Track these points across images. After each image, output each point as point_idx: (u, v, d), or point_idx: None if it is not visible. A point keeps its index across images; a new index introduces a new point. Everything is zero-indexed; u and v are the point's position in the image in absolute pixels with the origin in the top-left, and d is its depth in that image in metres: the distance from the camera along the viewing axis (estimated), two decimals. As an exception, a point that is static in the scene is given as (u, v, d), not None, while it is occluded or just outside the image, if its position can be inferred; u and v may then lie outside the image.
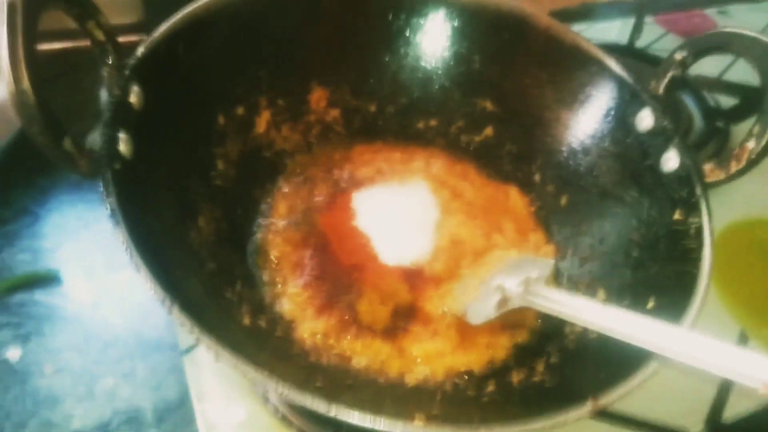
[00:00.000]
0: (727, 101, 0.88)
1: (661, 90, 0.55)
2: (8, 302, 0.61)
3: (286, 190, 0.60)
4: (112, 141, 0.43)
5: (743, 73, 0.90)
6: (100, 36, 0.46)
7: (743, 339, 0.64)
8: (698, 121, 0.79)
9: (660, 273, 0.48)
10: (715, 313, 0.66)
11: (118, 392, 0.56)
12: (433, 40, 0.64)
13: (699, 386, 0.59)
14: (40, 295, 0.62)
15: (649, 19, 0.96)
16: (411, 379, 0.48)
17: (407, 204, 0.60)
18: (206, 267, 0.48)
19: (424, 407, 0.43)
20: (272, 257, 0.55)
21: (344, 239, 0.56)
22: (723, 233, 0.72)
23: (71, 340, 0.59)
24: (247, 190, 0.57)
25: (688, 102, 0.81)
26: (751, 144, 0.47)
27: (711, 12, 1.07)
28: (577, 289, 0.54)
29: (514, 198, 0.62)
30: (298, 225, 0.57)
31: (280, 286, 0.53)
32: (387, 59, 0.64)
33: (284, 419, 0.52)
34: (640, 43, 0.92)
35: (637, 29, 0.90)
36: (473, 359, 0.51)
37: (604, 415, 0.55)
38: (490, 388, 0.47)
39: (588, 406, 0.38)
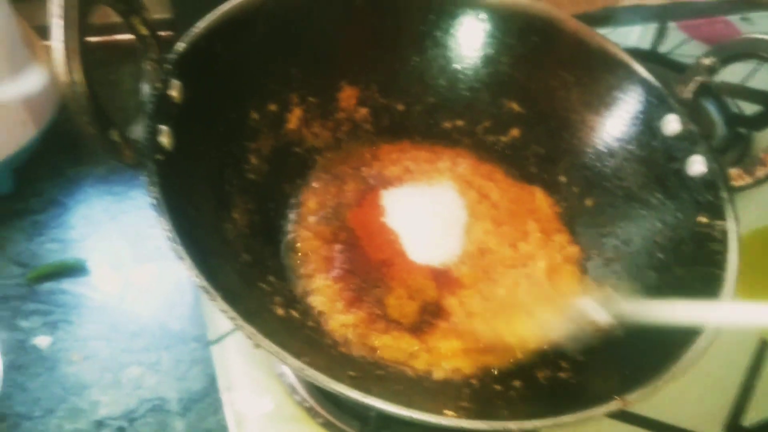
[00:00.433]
0: (749, 108, 0.88)
1: (687, 95, 0.56)
2: (38, 290, 0.62)
3: (315, 185, 0.61)
4: (154, 133, 0.44)
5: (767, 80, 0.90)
6: (144, 31, 0.47)
7: (763, 345, 0.65)
8: (720, 127, 0.79)
9: (685, 275, 0.49)
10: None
11: (144, 381, 0.57)
12: (461, 42, 0.64)
13: (718, 389, 0.60)
14: (68, 284, 0.63)
15: (671, 25, 0.96)
16: (438, 373, 0.49)
17: (435, 203, 0.61)
18: (241, 258, 0.49)
19: (452, 400, 0.44)
20: (303, 251, 0.56)
21: (373, 235, 0.57)
22: (746, 239, 0.72)
23: (98, 329, 0.60)
24: (278, 184, 0.58)
25: (711, 108, 0.81)
26: (777, 149, 0.48)
27: (734, 18, 1.06)
28: (603, 290, 0.55)
29: (540, 199, 0.63)
30: (328, 220, 0.58)
31: (310, 278, 0.54)
32: (416, 59, 0.64)
33: (311, 410, 0.53)
34: (662, 49, 0.93)
35: (660, 34, 0.90)
36: (499, 356, 0.51)
37: (623, 415, 0.56)
38: (517, 383, 0.48)
39: (616, 403, 0.39)
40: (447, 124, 0.67)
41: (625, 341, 0.47)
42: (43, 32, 0.72)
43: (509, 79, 0.64)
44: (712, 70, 0.55)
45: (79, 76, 0.39)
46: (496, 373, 0.50)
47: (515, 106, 0.65)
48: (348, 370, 0.44)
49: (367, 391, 0.37)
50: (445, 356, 0.50)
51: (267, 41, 0.57)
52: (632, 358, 0.45)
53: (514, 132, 0.66)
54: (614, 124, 0.60)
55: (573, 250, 0.59)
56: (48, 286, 0.62)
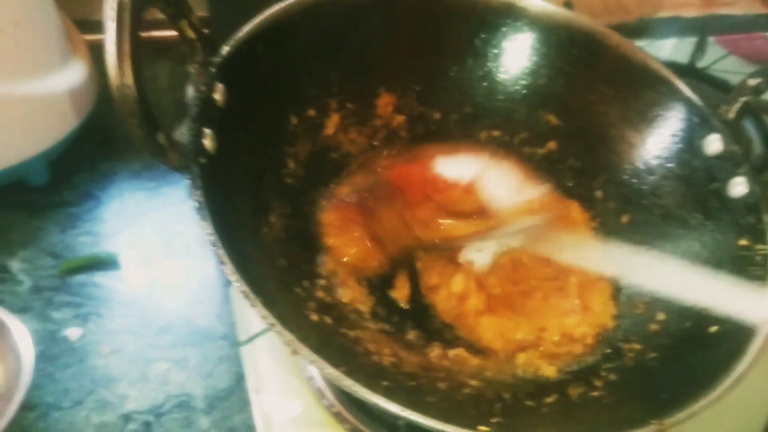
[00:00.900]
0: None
1: (731, 115, 0.55)
2: (70, 282, 0.63)
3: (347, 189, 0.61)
4: (199, 136, 0.44)
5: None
6: (191, 34, 0.47)
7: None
8: (758, 146, 0.78)
9: (724, 298, 0.48)
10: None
11: (171, 377, 0.57)
12: (501, 53, 0.64)
13: (754, 412, 0.59)
14: (99, 278, 0.64)
15: (709, 39, 0.95)
16: (471, 385, 0.49)
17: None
18: (277, 263, 0.49)
19: (484, 415, 0.44)
20: (337, 255, 0.56)
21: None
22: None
23: (128, 324, 0.60)
24: (314, 189, 0.59)
25: (749, 127, 0.80)
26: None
27: (774, 35, 1.05)
28: (635, 308, 0.55)
29: (575, 213, 0.62)
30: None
31: (344, 285, 0.54)
32: (455, 68, 0.64)
33: (338, 416, 0.53)
34: (700, 63, 0.92)
35: (699, 49, 0.89)
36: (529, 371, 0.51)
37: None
38: (549, 399, 0.47)
39: (654, 427, 0.39)
40: (483, 134, 0.67)
41: (661, 363, 0.47)
42: (83, 26, 0.74)
43: (548, 91, 0.64)
44: (758, 91, 0.54)
45: (130, 78, 0.39)
46: (525, 388, 0.50)
47: (553, 119, 0.65)
48: (381, 379, 0.44)
49: (402, 402, 0.37)
50: (476, 368, 0.50)
51: (309, 46, 0.57)
52: (669, 380, 0.45)
53: (551, 145, 0.65)
54: (654, 142, 0.59)
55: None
56: (80, 278, 0.63)
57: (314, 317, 0.48)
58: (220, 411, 0.55)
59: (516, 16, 0.62)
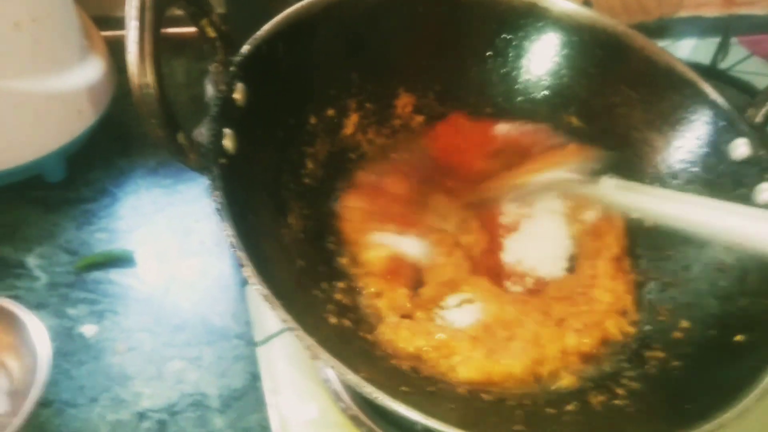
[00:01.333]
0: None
1: (759, 119, 0.54)
2: (86, 279, 0.63)
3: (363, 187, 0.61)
4: (219, 136, 0.44)
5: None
6: (212, 33, 0.47)
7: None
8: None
9: (750, 306, 0.48)
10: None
11: (186, 376, 0.57)
12: (523, 53, 0.63)
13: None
14: (115, 275, 0.64)
15: (731, 40, 0.93)
16: (491, 392, 0.48)
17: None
18: (296, 264, 0.49)
19: (505, 422, 0.43)
20: (354, 257, 0.55)
21: None
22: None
23: (143, 321, 0.60)
24: (332, 190, 0.58)
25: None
26: None
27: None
28: (658, 314, 0.54)
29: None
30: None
31: (362, 287, 0.53)
32: (475, 69, 0.64)
33: (355, 419, 0.53)
34: (722, 64, 0.90)
35: (721, 49, 0.87)
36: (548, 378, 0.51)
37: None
38: (570, 407, 0.47)
39: (679, 439, 0.38)
40: (503, 135, 0.66)
41: (686, 372, 0.46)
42: (101, 23, 0.74)
43: (570, 92, 0.63)
44: (786, 95, 0.53)
45: (151, 78, 0.39)
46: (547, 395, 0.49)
47: (574, 121, 0.64)
48: (400, 384, 0.43)
49: (422, 409, 0.37)
50: (497, 373, 0.49)
51: (329, 46, 0.56)
52: (694, 390, 0.44)
53: (572, 147, 0.64)
54: (678, 145, 0.58)
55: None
56: (96, 275, 0.63)
57: (333, 320, 0.48)
58: (234, 411, 0.55)
59: (538, 17, 0.62)
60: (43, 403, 0.53)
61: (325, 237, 0.55)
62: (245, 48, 0.49)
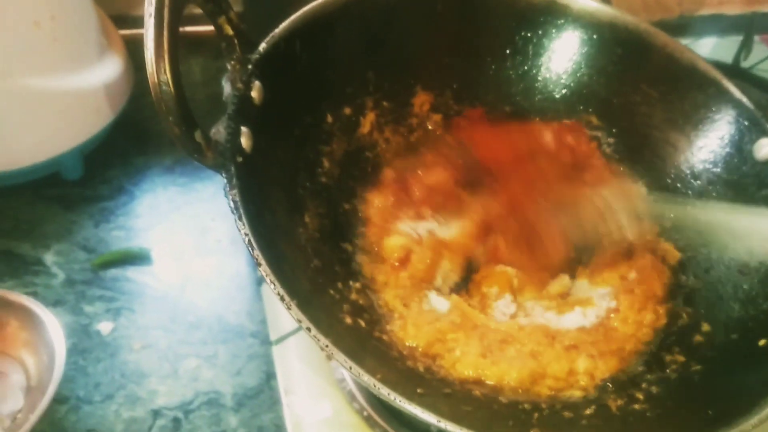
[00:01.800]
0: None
1: (784, 119, 0.53)
2: (103, 276, 0.63)
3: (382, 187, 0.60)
4: (235, 134, 0.44)
5: None
6: (229, 31, 0.46)
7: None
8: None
9: (774, 311, 0.47)
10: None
11: (201, 374, 0.57)
12: (542, 51, 0.63)
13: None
14: (132, 272, 0.64)
15: (754, 38, 0.92)
16: (506, 394, 0.48)
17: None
18: (312, 264, 0.49)
19: (521, 426, 0.43)
20: (370, 258, 0.55)
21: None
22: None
23: (159, 319, 0.61)
24: (348, 189, 0.58)
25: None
26: None
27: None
28: (679, 318, 0.53)
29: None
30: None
31: (379, 287, 0.53)
32: (494, 67, 0.63)
33: (369, 419, 0.52)
34: (744, 63, 0.89)
35: (744, 48, 0.86)
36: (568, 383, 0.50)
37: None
38: (588, 411, 0.46)
39: (700, 446, 0.37)
40: (521, 134, 0.66)
41: (707, 377, 0.45)
42: (119, 21, 0.74)
43: (589, 91, 0.62)
44: (812, 94, 0.52)
45: (168, 76, 0.38)
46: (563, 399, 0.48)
47: (594, 120, 0.63)
48: (416, 386, 0.43)
49: (438, 412, 0.37)
50: (513, 377, 0.49)
51: (346, 44, 0.56)
52: (715, 395, 0.43)
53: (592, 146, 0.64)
54: (700, 145, 0.57)
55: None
56: (112, 272, 0.64)
57: (348, 320, 0.48)
58: (248, 409, 0.55)
59: (558, 14, 0.61)
60: (59, 400, 0.53)
61: (342, 236, 0.55)
62: (262, 46, 0.48)
